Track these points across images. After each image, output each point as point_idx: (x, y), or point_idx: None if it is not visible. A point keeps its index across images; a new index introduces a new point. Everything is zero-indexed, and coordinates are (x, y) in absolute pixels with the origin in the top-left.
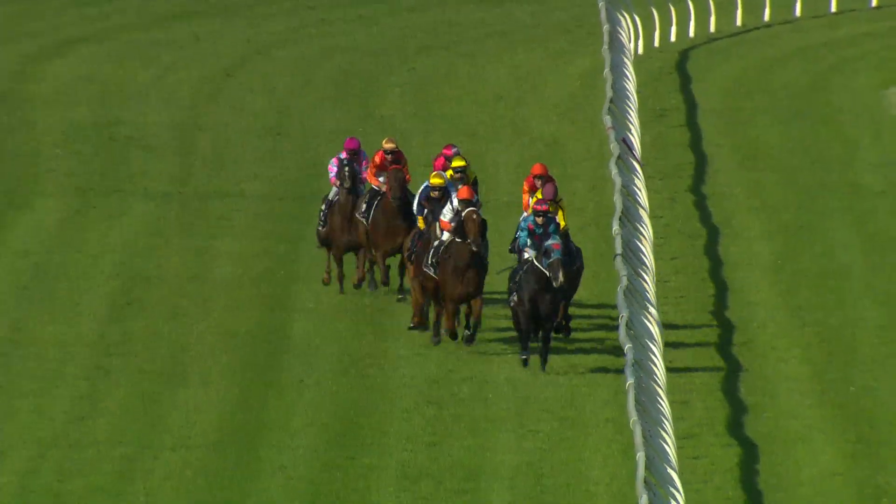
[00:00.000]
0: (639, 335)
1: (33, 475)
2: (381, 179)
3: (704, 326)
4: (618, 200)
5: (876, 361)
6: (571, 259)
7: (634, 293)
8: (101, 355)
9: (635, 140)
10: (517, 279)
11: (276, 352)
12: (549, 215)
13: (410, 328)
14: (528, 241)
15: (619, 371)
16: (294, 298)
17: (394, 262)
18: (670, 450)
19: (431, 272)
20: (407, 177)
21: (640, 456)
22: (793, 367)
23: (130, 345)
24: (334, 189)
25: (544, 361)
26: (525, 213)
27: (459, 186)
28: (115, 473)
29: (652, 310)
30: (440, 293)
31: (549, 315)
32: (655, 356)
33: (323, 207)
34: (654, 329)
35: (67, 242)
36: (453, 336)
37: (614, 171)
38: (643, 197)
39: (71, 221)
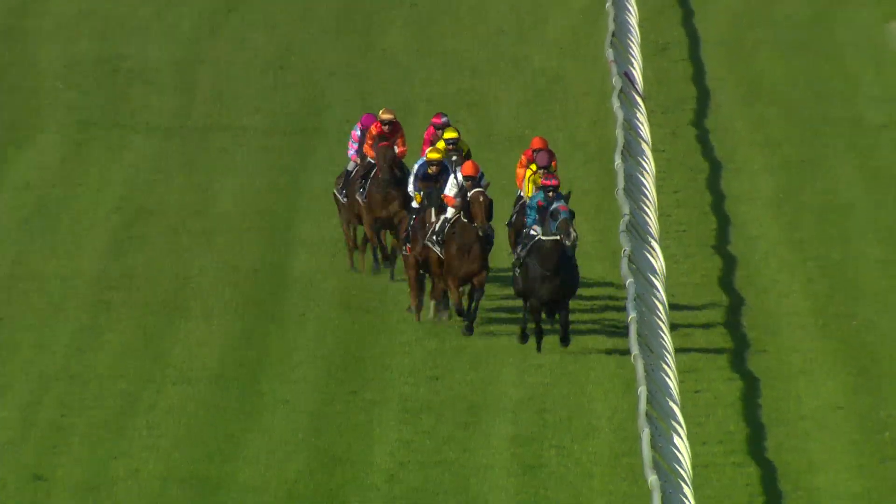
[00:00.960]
0: (641, 269)
1: (35, 409)
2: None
3: (706, 261)
4: (620, 135)
5: (878, 295)
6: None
7: (636, 227)
8: (103, 289)
9: (637, 74)
10: (521, 257)
11: (278, 286)
12: (558, 190)
13: (409, 310)
14: (537, 218)
15: (622, 307)
16: (296, 233)
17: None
18: (672, 384)
19: (438, 250)
20: (402, 149)
21: (642, 390)
22: (794, 302)
23: (132, 279)
24: (352, 163)
25: (565, 339)
26: (519, 191)
27: (454, 158)
28: (117, 407)
29: (654, 244)
30: (444, 270)
31: (562, 295)
32: (657, 290)
33: (339, 186)
34: (656, 263)
35: (69, 177)
36: (461, 311)
37: (616, 105)
38: (645, 131)
39: (72, 156)
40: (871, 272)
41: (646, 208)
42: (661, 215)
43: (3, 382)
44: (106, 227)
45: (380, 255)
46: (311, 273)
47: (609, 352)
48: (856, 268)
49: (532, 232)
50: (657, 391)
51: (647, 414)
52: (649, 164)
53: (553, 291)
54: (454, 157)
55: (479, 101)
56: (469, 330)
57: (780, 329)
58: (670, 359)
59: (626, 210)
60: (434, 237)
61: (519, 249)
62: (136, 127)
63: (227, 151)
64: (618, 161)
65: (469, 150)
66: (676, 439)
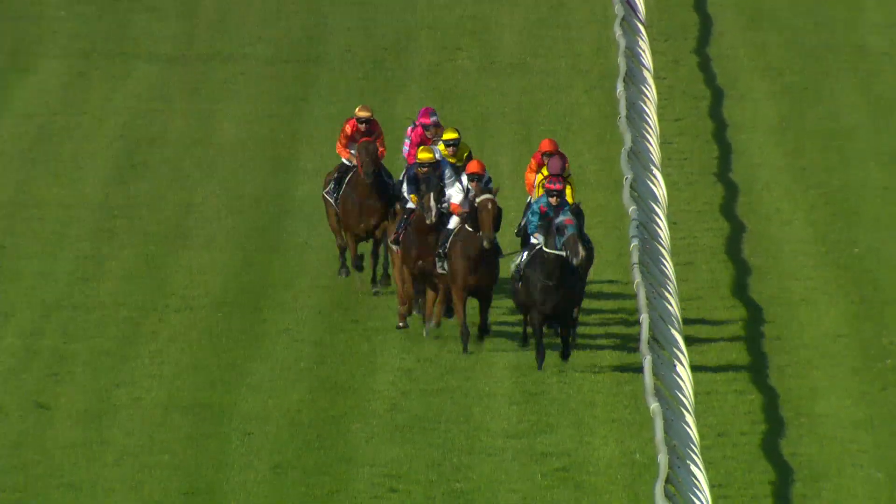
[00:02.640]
0: (643, 197)
1: (38, 337)
2: (352, 152)
3: (708, 188)
4: (622, 62)
5: (880, 222)
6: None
7: (638, 155)
8: (106, 218)
9: (639, 1)
10: (521, 267)
11: (281, 214)
12: (564, 196)
13: (399, 328)
14: (538, 225)
15: (623, 235)
16: (298, 161)
17: (365, 249)
18: (674, 311)
19: (439, 264)
20: (381, 150)
21: (644, 318)
22: (797, 229)
23: (134, 207)
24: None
25: (566, 355)
26: (530, 198)
27: (451, 158)
28: (120, 335)
29: (656, 171)
30: (449, 282)
31: (564, 309)
32: (659, 218)
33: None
34: (658, 191)
35: (71, 105)
36: (466, 334)
37: (619, 32)
38: (647, 58)
39: (75, 84)
40: (873, 199)
41: (647, 136)
42: (663, 143)
43: (6, 310)
44: (108, 155)
45: (350, 264)
46: (314, 201)
47: (610, 282)
48: (857, 194)
49: (534, 240)
50: (659, 319)
51: (648, 341)
52: (651, 91)
53: (556, 304)
54: (451, 163)
55: (482, 28)
56: (479, 339)
57: (781, 256)
58: (672, 286)
59: (628, 138)
60: (441, 250)
61: (519, 259)
62: (139, 55)
63: (229, 80)
64: (620, 89)
65: (470, 153)
66: (678, 367)
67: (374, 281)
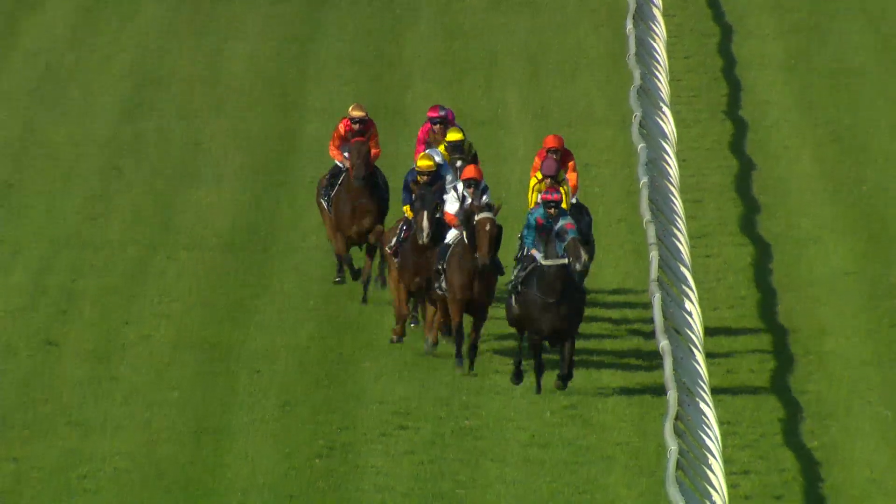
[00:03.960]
0: (652, 134)
1: (46, 275)
2: (345, 154)
3: (717, 126)
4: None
5: (888, 160)
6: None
7: (647, 92)
8: (114, 156)
9: None
10: (517, 282)
11: (289, 152)
12: (562, 206)
13: (393, 342)
14: (536, 239)
15: (631, 173)
16: (306, 98)
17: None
18: (683, 249)
19: (439, 287)
20: (375, 150)
21: (653, 255)
22: (805, 167)
23: (143, 145)
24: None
25: (565, 377)
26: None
27: (458, 164)
28: (128, 273)
29: (665, 109)
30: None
31: (564, 329)
32: (668, 155)
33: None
34: (667, 128)
35: (79, 43)
36: (459, 338)
37: None
38: None
39: (82, 22)
40: (882, 137)
41: (657, 73)
42: (673, 80)
43: (15, 248)
44: (116, 93)
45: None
46: (322, 139)
47: (619, 220)
48: (866, 132)
49: (532, 254)
50: (668, 256)
51: (658, 279)
52: (660, 28)
53: (555, 323)
54: (458, 163)
55: None
56: (467, 363)
57: (790, 194)
58: (681, 223)
59: (637, 75)
60: (437, 267)
61: (516, 272)
62: None
63: (237, 18)
64: (629, 26)
65: (476, 154)
66: (688, 304)
67: (365, 290)
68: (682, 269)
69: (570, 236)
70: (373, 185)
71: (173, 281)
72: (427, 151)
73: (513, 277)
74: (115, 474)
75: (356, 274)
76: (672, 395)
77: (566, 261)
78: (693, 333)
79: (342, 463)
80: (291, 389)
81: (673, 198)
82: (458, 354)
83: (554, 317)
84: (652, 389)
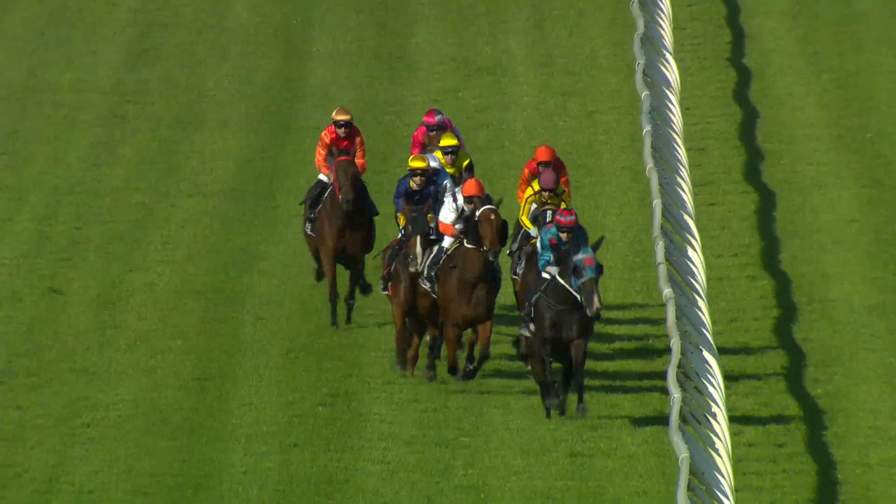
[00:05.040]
0: (656, 82)
1: (50, 222)
2: (331, 167)
3: (721, 73)
4: None
5: (892, 107)
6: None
7: (651, 40)
8: (118, 102)
9: None
10: (533, 303)
11: (294, 99)
12: (577, 227)
13: (396, 365)
14: (551, 259)
15: (635, 120)
16: (311, 45)
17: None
18: (687, 197)
19: (428, 287)
20: (361, 161)
21: (657, 203)
22: (809, 114)
23: (147, 92)
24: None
25: (580, 402)
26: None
27: (450, 168)
28: (132, 220)
29: (668, 57)
30: (439, 314)
31: (576, 337)
32: (672, 103)
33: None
34: (671, 76)
35: None
36: (453, 370)
37: None
38: None
39: None
40: (886, 84)
41: (661, 21)
42: (676, 28)
43: (19, 195)
44: (121, 39)
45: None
46: (326, 85)
47: (623, 168)
48: (870, 79)
49: (545, 275)
50: (672, 204)
51: (661, 227)
52: None
53: (567, 330)
54: (450, 174)
55: None
56: (471, 375)
57: (794, 141)
58: (685, 172)
59: (640, 23)
60: (426, 271)
61: (529, 302)
62: None
63: None
64: None
65: (471, 161)
66: (691, 252)
67: (347, 318)
68: (686, 217)
69: (587, 275)
70: (359, 208)
71: (177, 228)
72: (420, 153)
73: (526, 307)
74: (120, 421)
75: (335, 299)
76: (675, 343)
77: (578, 298)
78: (696, 281)
79: (346, 411)
80: (295, 337)
81: (676, 146)
82: (461, 377)
83: (566, 325)
84: (656, 337)
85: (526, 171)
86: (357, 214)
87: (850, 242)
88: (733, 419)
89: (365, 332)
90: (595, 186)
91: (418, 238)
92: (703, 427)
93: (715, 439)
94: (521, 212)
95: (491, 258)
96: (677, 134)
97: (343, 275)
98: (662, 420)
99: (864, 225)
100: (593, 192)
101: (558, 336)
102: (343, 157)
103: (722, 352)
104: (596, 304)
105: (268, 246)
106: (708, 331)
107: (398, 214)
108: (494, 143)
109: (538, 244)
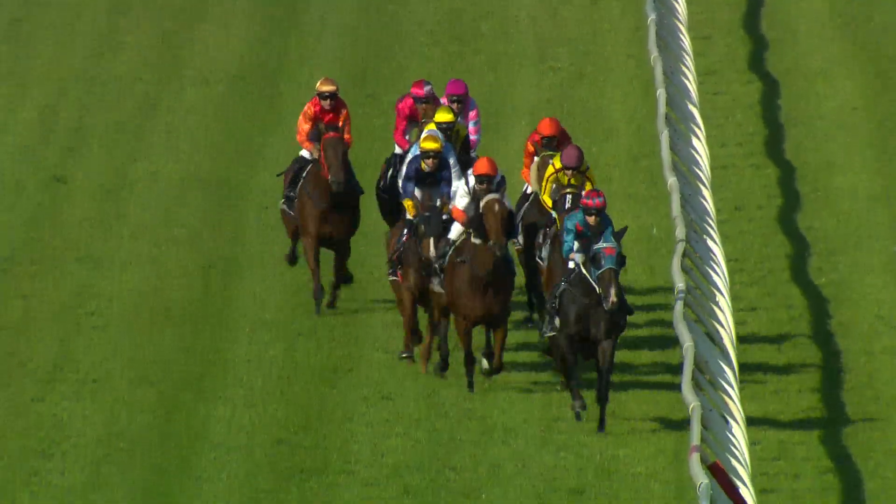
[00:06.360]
0: None
1: (54, 111)
2: (316, 144)
3: None
4: None
5: None
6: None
7: None
8: None
9: None
10: (558, 295)
11: None
12: (605, 214)
13: (402, 357)
14: (576, 246)
15: (639, 10)
16: None
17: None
18: (691, 86)
19: (435, 283)
20: (347, 137)
21: (661, 92)
22: (814, 3)
23: None
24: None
25: (602, 414)
26: (527, 187)
27: (456, 146)
28: (136, 109)
29: None
30: (449, 310)
31: (604, 334)
32: None
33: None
34: None
35: None
36: (470, 364)
37: None
38: None
39: None
40: None
41: None
42: None
43: (23, 85)
44: None
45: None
46: None
47: (628, 56)
48: None
49: (570, 263)
50: (676, 94)
51: (666, 116)
52: None
53: (594, 325)
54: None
55: None
56: (490, 374)
57: (798, 30)
58: (689, 60)
59: None
60: (432, 265)
61: (553, 295)
62: None
63: None
64: None
65: (468, 135)
66: (695, 141)
67: (333, 303)
68: (690, 106)
69: (605, 265)
70: (348, 189)
71: (181, 118)
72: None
73: (551, 302)
74: (124, 311)
75: (320, 294)
76: (680, 232)
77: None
78: (700, 170)
79: (350, 300)
80: None
81: (681, 34)
82: (471, 385)
83: (593, 320)
84: (660, 226)
85: (528, 145)
86: (344, 195)
87: (854, 131)
88: (737, 309)
89: (366, 226)
90: (600, 75)
91: (431, 240)
92: (707, 316)
93: (719, 328)
94: (542, 191)
95: (498, 252)
96: (682, 23)
97: (326, 263)
98: (668, 309)
99: (869, 113)
100: (598, 80)
101: (586, 332)
102: (332, 134)
103: (726, 240)
104: (612, 297)
105: (271, 136)
106: (712, 219)
107: (406, 201)
108: (499, 32)
109: (564, 228)
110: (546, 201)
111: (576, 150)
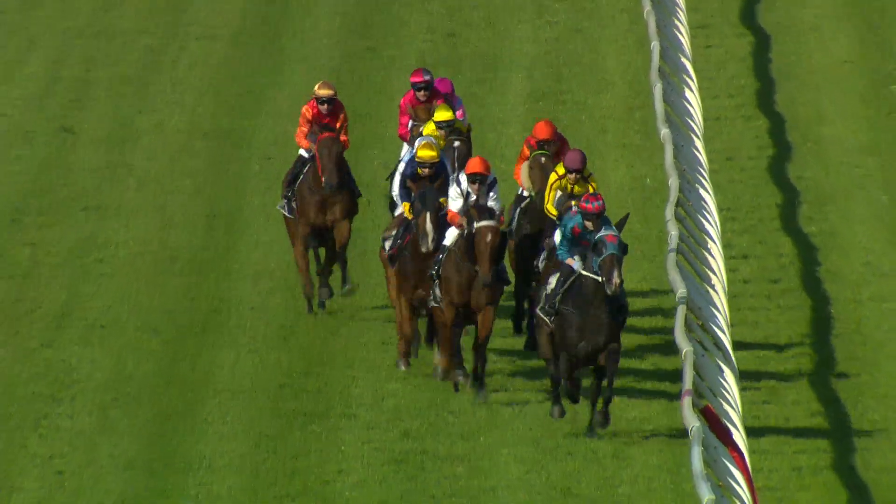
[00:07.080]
0: None
1: (60, 64)
2: (313, 143)
3: None
4: None
5: None
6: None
7: None
8: None
9: None
10: (553, 298)
11: None
12: (604, 216)
13: (399, 367)
14: (569, 251)
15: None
16: None
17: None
18: (684, 39)
19: (435, 299)
20: (343, 137)
21: (655, 45)
22: None
23: None
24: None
25: (604, 418)
26: (521, 190)
27: (457, 144)
28: (141, 62)
29: None
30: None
31: (608, 349)
32: None
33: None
34: None
35: None
36: (460, 368)
37: None
38: None
39: None
40: None
41: None
42: None
43: (29, 38)
44: None
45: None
46: None
47: (622, 11)
48: None
49: (569, 264)
50: (669, 47)
51: (659, 69)
52: None
53: (596, 342)
54: (456, 143)
55: None
56: (481, 387)
57: None
58: (682, 14)
59: None
60: (430, 272)
61: (549, 289)
62: None
63: None
64: None
65: (470, 129)
66: (688, 93)
67: (321, 305)
68: (683, 59)
69: (607, 252)
70: (342, 187)
71: (186, 70)
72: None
73: (544, 298)
74: (130, 258)
75: (310, 292)
76: (673, 182)
77: (600, 280)
78: (693, 122)
79: (351, 248)
80: None
81: None
82: (457, 388)
83: (595, 336)
84: (654, 176)
85: (524, 148)
86: (338, 194)
87: (844, 83)
88: (729, 256)
89: (370, 171)
90: (595, 30)
91: (428, 215)
92: (699, 263)
93: (711, 275)
94: (546, 200)
95: (482, 285)
96: None
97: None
98: (660, 257)
99: (859, 66)
100: (593, 35)
101: (588, 346)
102: (327, 134)
103: (718, 190)
104: (615, 279)
105: (274, 89)
106: (704, 170)
107: (403, 204)
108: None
109: (558, 234)
110: (550, 210)
111: (578, 153)
